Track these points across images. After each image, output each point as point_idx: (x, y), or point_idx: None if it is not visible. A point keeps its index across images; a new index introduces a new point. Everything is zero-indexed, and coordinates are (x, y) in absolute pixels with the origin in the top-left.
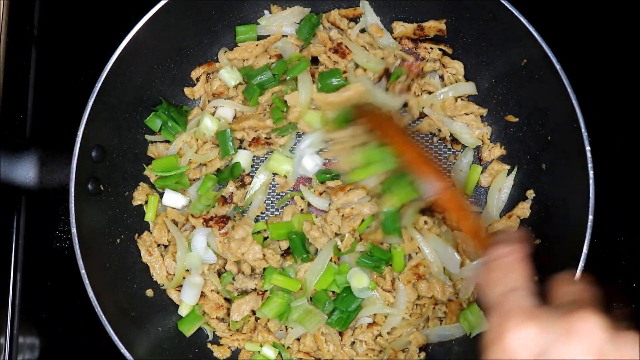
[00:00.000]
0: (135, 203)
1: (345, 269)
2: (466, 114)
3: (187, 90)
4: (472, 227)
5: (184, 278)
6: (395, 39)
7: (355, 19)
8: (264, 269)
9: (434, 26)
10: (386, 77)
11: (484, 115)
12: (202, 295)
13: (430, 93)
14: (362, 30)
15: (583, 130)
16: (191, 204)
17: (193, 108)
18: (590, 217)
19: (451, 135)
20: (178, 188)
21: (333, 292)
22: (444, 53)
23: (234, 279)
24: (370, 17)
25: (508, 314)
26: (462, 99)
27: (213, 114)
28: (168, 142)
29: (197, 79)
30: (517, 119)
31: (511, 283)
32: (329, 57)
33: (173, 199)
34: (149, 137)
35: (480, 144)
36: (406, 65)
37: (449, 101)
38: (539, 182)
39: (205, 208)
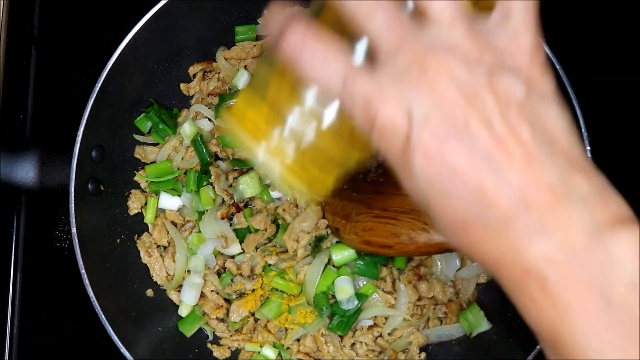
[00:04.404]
0: (132, 212)
1: (344, 273)
2: None
3: (182, 86)
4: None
5: (183, 279)
6: None
7: None
8: (263, 269)
9: None
10: None
11: None
12: (202, 295)
13: None
14: None
15: (583, 130)
16: (192, 210)
17: (182, 110)
18: None
19: None
20: (173, 194)
21: (333, 295)
22: None
23: (232, 280)
24: None
25: (358, 100)
26: None
27: (195, 117)
28: (156, 144)
29: (194, 76)
30: None
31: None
32: None
33: (169, 202)
34: (137, 137)
35: None
36: None
37: None
38: None
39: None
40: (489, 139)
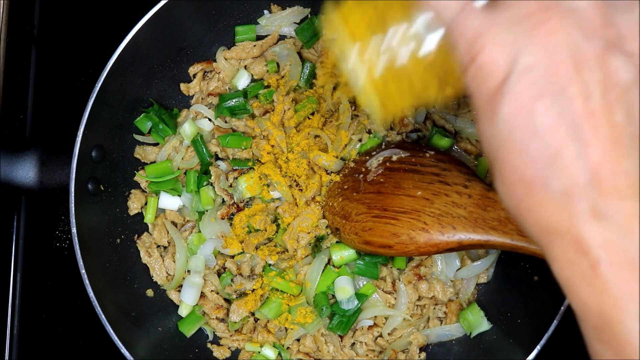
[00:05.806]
0: (132, 212)
1: (344, 273)
2: (469, 111)
3: (182, 86)
4: None
5: (183, 279)
6: None
7: None
8: (263, 269)
9: None
10: None
11: None
12: (202, 295)
13: None
14: None
15: None
16: (192, 210)
17: (182, 110)
18: None
19: (456, 132)
20: (173, 194)
21: (333, 295)
22: None
23: (232, 280)
24: None
25: (468, 33)
26: (464, 98)
27: (195, 117)
28: (156, 144)
29: (194, 76)
30: None
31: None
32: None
33: (169, 202)
34: (137, 137)
35: None
36: None
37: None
38: None
39: (207, 207)
40: (582, 110)
